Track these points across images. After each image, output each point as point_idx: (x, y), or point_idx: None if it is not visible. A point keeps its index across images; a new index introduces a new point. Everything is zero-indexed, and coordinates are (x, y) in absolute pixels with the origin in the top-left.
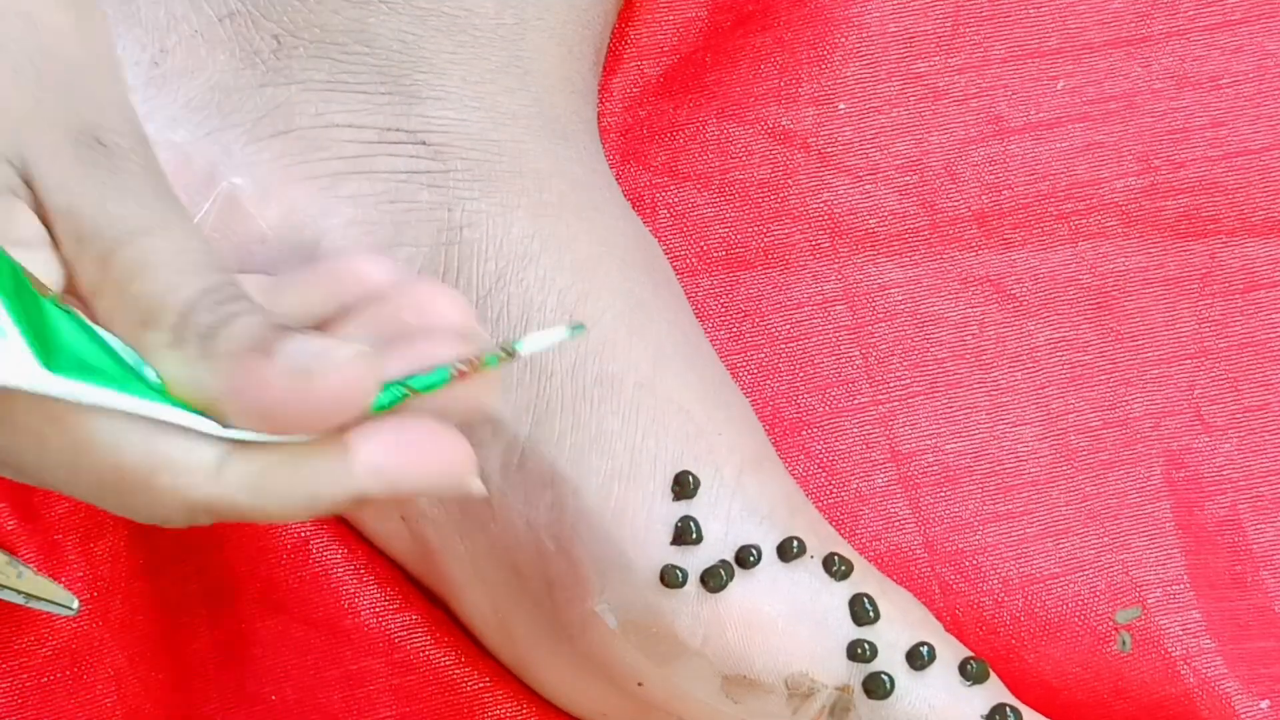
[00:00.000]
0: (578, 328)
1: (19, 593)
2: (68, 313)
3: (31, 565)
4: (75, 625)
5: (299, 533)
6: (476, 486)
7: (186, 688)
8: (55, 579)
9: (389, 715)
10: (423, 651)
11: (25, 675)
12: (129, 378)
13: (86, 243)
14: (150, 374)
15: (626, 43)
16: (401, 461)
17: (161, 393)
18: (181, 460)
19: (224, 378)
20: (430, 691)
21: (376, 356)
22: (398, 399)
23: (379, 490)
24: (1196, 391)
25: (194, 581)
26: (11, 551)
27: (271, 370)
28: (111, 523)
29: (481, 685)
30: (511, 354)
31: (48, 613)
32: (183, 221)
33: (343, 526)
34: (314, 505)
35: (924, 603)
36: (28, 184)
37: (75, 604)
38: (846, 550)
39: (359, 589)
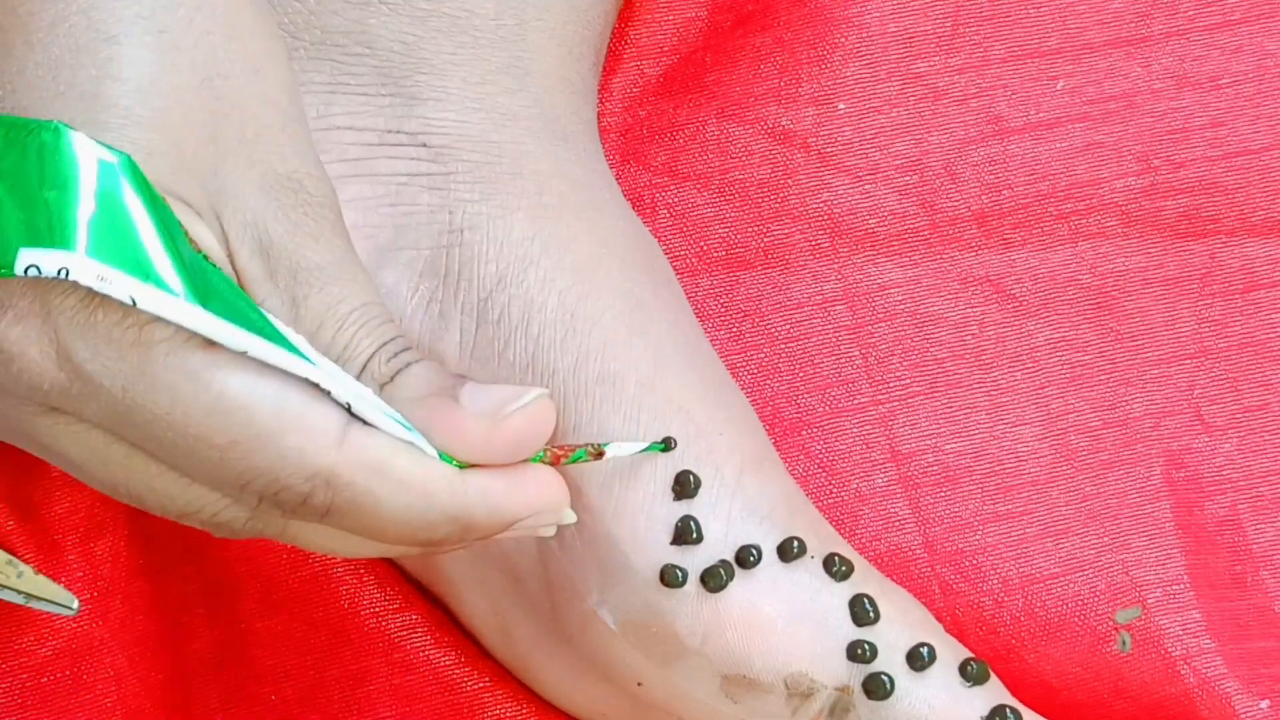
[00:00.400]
0: (659, 445)
1: (19, 593)
2: (218, 270)
3: (31, 565)
4: (75, 625)
5: None
6: (570, 518)
7: (186, 688)
8: (55, 579)
9: (389, 715)
10: (423, 651)
11: (25, 675)
12: (275, 332)
13: (279, 279)
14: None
15: (626, 43)
16: (507, 488)
17: (302, 355)
18: (312, 423)
19: (413, 419)
20: (430, 691)
21: (552, 399)
22: None
23: (484, 513)
24: (1196, 391)
25: (194, 581)
26: (11, 551)
27: (462, 413)
28: (111, 523)
29: (481, 685)
30: (600, 454)
31: (48, 613)
32: (365, 276)
33: None
34: (426, 507)
35: (924, 603)
36: (217, 214)
37: (75, 604)
38: (847, 550)
39: (359, 589)
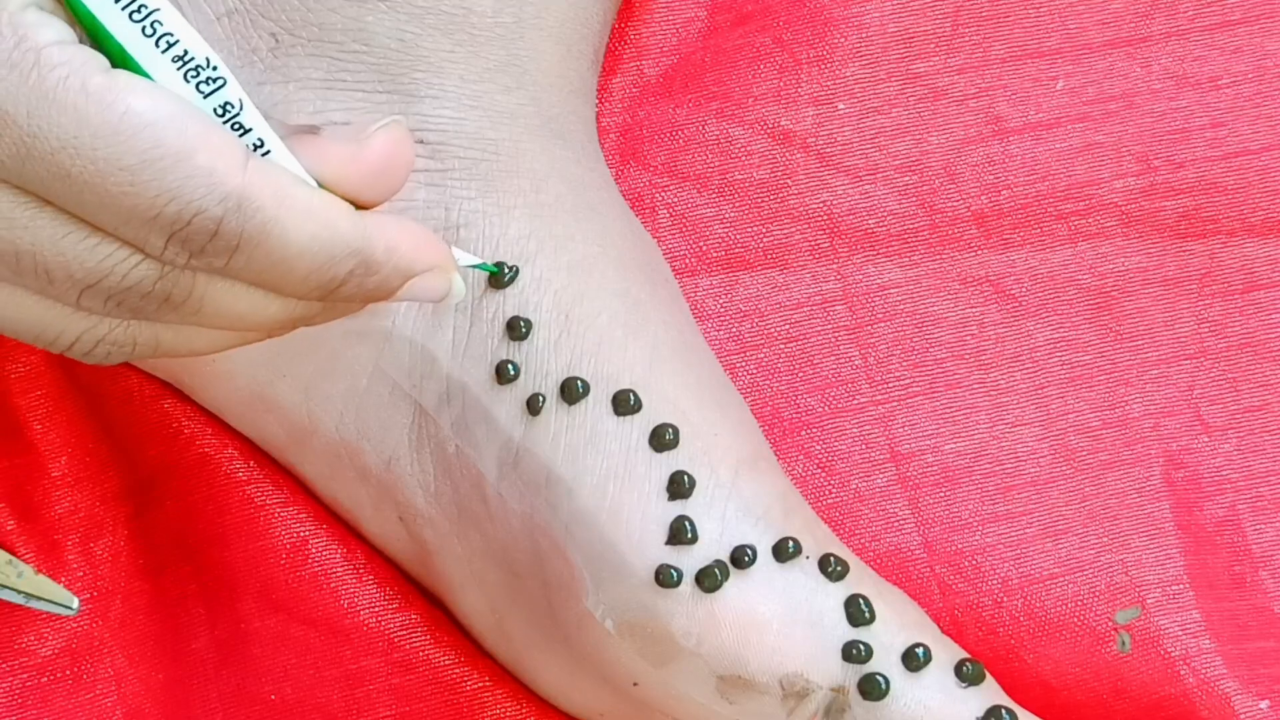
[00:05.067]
0: (492, 267)
1: (19, 593)
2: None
3: (31, 565)
4: (75, 625)
5: (298, 532)
6: (460, 289)
7: (186, 688)
8: (55, 579)
9: (389, 715)
10: (422, 651)
11: (25, 675)
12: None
13: None
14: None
15: (626, 43)
16: (401, 237)
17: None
18: (217, 144)
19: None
20: (430, 691)
21: (404, 122)
22: None
23: (382, 250)
24: (1196, 391)
25: (193, 581)
26: (11, 551)
27: (325, 140)
28: (111, 523)
29: (481, 685)
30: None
31: (48, 613)
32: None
33: (342, 527)
34: (332, 237)
35: (923, 603)
36: None
37: (75, 604)
38: (842, 551)
39: (359, 589)
